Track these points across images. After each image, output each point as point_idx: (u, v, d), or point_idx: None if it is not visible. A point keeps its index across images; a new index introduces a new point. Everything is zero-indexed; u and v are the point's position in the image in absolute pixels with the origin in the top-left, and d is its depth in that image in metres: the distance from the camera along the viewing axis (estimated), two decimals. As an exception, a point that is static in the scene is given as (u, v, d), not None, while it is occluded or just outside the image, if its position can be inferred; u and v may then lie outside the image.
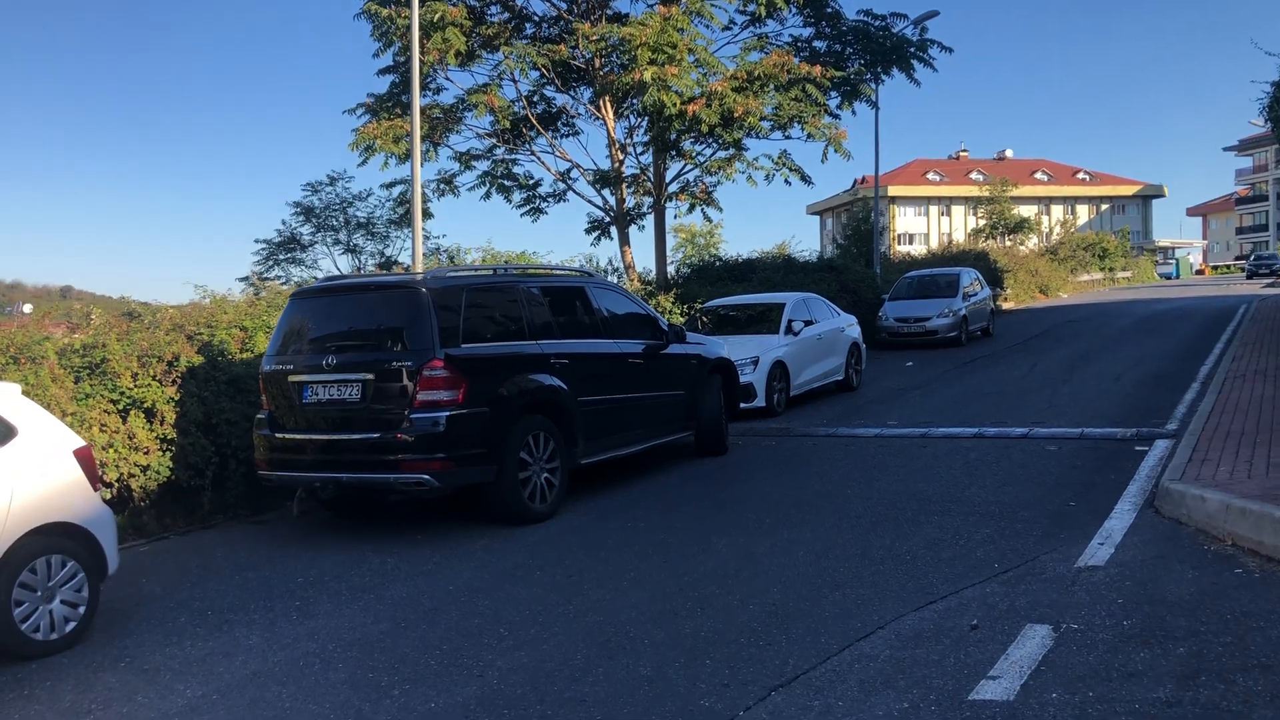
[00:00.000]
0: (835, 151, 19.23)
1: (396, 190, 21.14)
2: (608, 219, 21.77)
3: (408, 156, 16.32)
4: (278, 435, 8.07)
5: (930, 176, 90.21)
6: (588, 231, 22.16)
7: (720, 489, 9.28)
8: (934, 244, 70.44)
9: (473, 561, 7.18)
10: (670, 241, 47.26)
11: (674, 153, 20.02)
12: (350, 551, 7.67)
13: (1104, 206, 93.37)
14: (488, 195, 21.24)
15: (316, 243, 27.73)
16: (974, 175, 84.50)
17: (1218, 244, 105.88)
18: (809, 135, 19.00)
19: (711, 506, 8.55)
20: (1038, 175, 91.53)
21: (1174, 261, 75.43)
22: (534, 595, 6.28)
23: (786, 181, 20.17)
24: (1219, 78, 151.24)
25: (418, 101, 12.68)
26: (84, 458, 5.97)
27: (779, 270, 23.51)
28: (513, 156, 21.53)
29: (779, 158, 19.97)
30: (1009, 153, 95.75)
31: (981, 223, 54.09)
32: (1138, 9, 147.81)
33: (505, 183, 21.36)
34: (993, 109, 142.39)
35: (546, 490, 8.29)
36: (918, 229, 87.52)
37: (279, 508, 9.45)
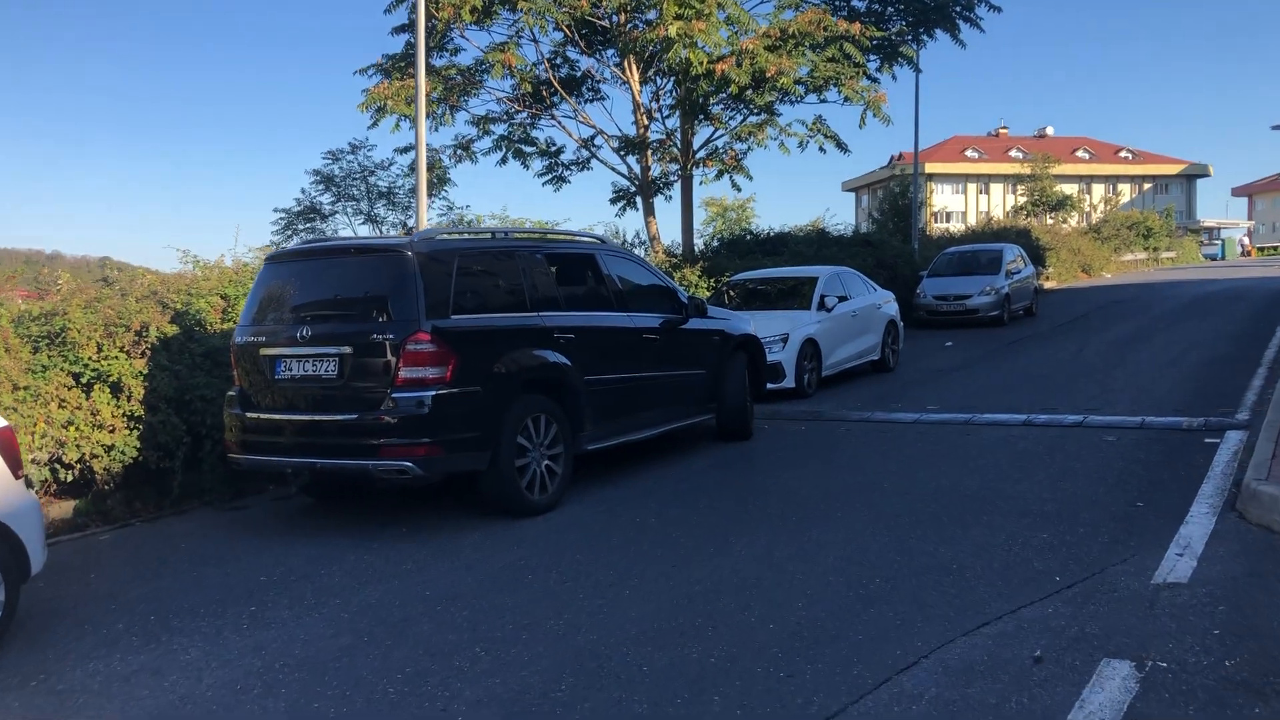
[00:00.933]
0: (875, 116, 18.12)
1: (410, 157, 20.26)
2: (633, 188, 20.78)
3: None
4: (249, 415, 7.28)
5: (969, 154, 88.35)
6: (612, 201, 21.24)
7: (742, 479, 8.42)
8: (972, 222, 68.78)
9: (458, 561, 6.36)
10: (700, 215, 46.28)
11: (702, 117, 18.94)
12: (326, 546, 6.87)
13: (1146, 186, 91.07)
14: (504, 160, 20.30)
15: (337, 212, 26.94)
16: (1013, 153, 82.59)
17: (1263, 225, 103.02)
18: (846, 99, 17.86)
19: (732, 500, 7.69)
20: (1079, 154, 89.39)
21: (1220, 242, 73.36)
22: (521, 605, 5.45)
23: (821, 149, 19.11)
24: (1267, 54, 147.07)
25: (423, 51, 11.78)
26: (4, 440, 5.19)
27: (812, 244, 22.52)
28: (533, 122, 20.58)
29: (814, 123, 18.89)
30: (1050, 130, 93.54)
31: (1022, 200, 52.49)
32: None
33: (523, 147, 20.37)
34: (1034, 85, 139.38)
35: (547, 479, 7.45)
36: (955, 207, 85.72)
37: (261, 491, 8.68)
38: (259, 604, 5.70)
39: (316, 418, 6.97)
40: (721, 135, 19.52)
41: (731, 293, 14.78)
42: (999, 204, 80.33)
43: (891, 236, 28.40)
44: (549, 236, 9.14)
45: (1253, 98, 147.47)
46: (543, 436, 7.44)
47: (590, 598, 5.50)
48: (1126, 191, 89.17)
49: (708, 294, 15.56)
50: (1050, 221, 47.13)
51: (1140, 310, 22.76)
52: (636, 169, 20.36)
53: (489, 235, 8.59)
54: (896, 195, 32.81)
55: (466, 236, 8.38)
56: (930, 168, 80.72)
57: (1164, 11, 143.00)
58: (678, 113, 19.53)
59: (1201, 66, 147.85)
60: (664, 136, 20.04)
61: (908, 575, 5.60)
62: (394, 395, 6.69)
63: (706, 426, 10.14)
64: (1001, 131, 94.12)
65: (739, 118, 19.01)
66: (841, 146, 19.24)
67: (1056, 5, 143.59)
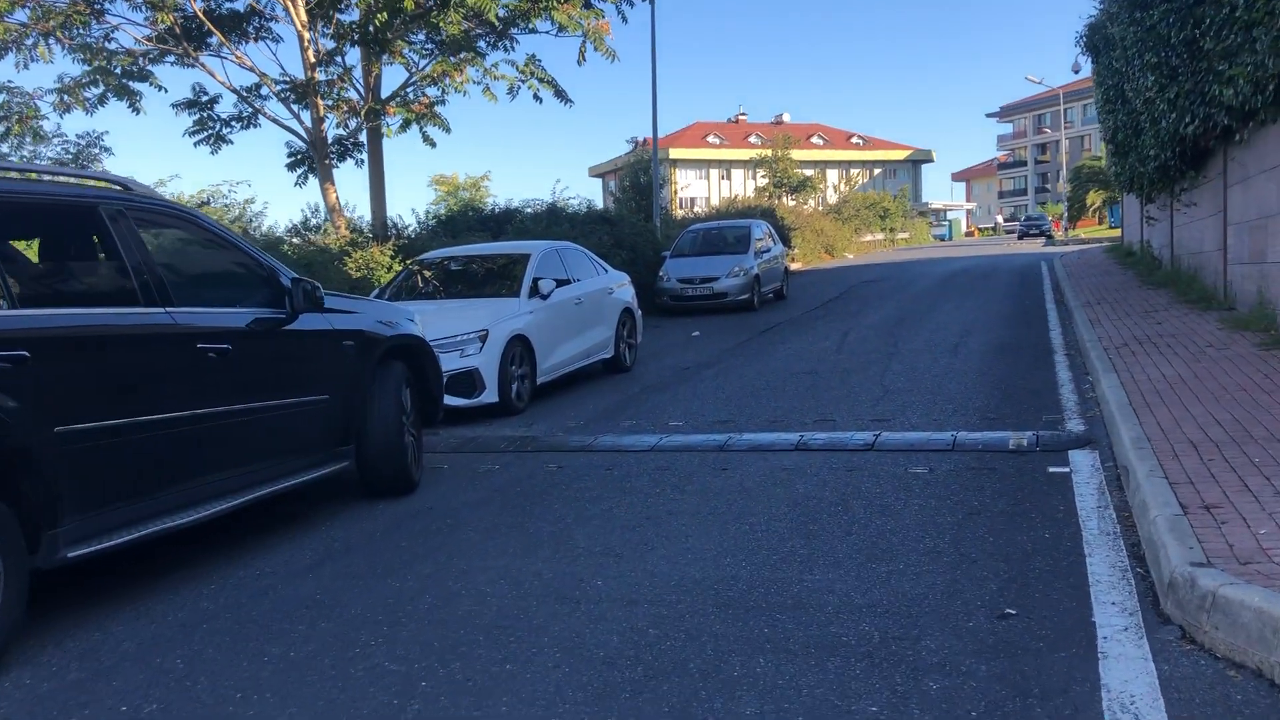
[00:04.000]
0: (596, 49, 15.13)
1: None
2: (307, 148, 16.82)
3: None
4: None
5: (710, 139, 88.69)
6: (289, 168, 17.18)
7: (375, 584, 5.05)
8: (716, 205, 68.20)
9: None
10: (429, 194, 42.18)
11: (383, 53, 15.14)
12: None
13: (877, 171, 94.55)
14: (102, 100, 15.58)
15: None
16: (753, 139, 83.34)
17: (980, 208, 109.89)
18: (560, 28, 14.71)
19: (335, 638, 4.32)
20: (814, 139, 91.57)
21: (948, 223, 76.76)
22: None
23: (537, 97, 15.98)
24: (983, 46, 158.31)
25: None
26: None
27: (541, 221, 19.42)
28: (176, 64, 16.10)
29: (526, 64, 15.67)
30: (787, 116, 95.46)
31: (763, 181, 51.76)
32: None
33: (131, 84, 15.82)
34: (771, 72, 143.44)
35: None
36: (699, 193, 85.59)
37: None
38: None
39: None
40: (414, 80, 15.90)
41: (426, 274, 11.36)
42: (741, 189, 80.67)
43: (634, 215, 25.78)
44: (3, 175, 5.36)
45: (971, 87, 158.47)
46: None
47: None
48: (858, 176, 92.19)
49: (389, 276, 12.05)
50: (792, 203, 46.44)
51: (895, 291, 21.16)
52: (311, 123, 16.41)
53: None
54: (639, 171, 30.31)
55: None
56: (674, 153, 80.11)
57: (892, 4, 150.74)
58: (353, 47, 15.62)
59: (925, 57, 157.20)
60: (337, 76, 16.02)
61: None
62: None
63: (344, 477, 6.72)
64: (741, 118, 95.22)
65: (431, 59, 15.40)
66: (561, 95, 16.14)
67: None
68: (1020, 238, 58.63)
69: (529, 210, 20.50)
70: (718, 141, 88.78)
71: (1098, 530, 5.01)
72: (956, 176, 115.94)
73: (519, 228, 17.89)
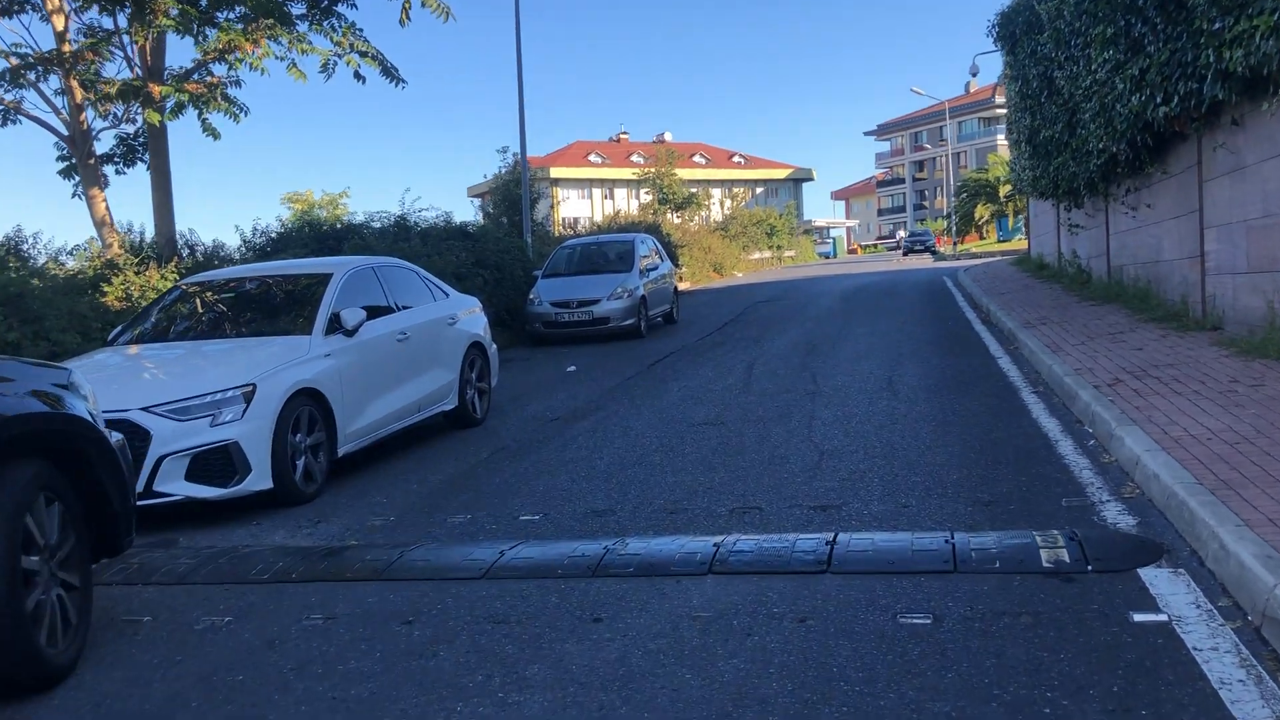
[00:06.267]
0: (425, 5, 12.31)
1: None
2: (67, 146, 13.49)
3: None
4: None
5: (592, 159, 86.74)
6: (62, 174, 13.81)
7: None
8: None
9: None
10: (284, 212, 38.45)
11: (139, 8, 11.86)
12: None
13: (759, 190, 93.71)
14: None
15: None
16: (635, 158, 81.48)
17: (859, 226, 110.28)
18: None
19: None
20: (696, 158, 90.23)
21: (831, 240, 76.13)
22: None
23: (358, 76, 13.09)
24: (860, 65, 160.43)
25: None
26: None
27: (387, 237, 16.48)
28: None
29: (345, 33, 12.75)
30: (668, 135, 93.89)
31: (647, 198, 49.46)
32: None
33: None
34: (651, 92, 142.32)
35: None
36: (582, 212, 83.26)
37: None
38: None
39: None
40: (201, 58, 12.77)
41: (199, 303, 8.30)
42: (624, 209, 78.66)
43: (508, 233, 22.89)
44: None
45: (848, 106, 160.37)
46: None
47: None
48: (740, 195, 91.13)
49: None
50: (678, 220, 44.23)
51: (796, 311, 18.87)
52: (69, 113, 13.09)
53: None
54: (510, 185, 27.51)
55: None
56: (555, 172, 77.82)
57: (770, 25, 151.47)
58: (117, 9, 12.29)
59: (804, 78, 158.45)
60: (99, 41, 12.48)
61: None
62: None
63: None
64: (622, 137, 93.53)
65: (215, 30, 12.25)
66: (391, 73, 13.26)
67: (673, 13, 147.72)
68: (905, 254, 57.81)
69: (375, 225, 17.52)
70: (599, 160, 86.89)
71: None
72: (836, 195, 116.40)
73: (358, 245, 14.91)
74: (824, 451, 6.94)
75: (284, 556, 5.42)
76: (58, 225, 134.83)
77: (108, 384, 6.39)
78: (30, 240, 14.72)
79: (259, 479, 6.32)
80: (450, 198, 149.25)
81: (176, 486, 6.07)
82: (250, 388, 6.39)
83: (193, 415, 6.16)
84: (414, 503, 6.54)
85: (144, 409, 6.08)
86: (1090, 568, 4.27)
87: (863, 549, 4.72)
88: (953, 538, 4.76)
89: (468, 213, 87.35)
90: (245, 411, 6.30)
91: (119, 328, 8.06)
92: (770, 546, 4.84)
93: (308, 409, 6.78)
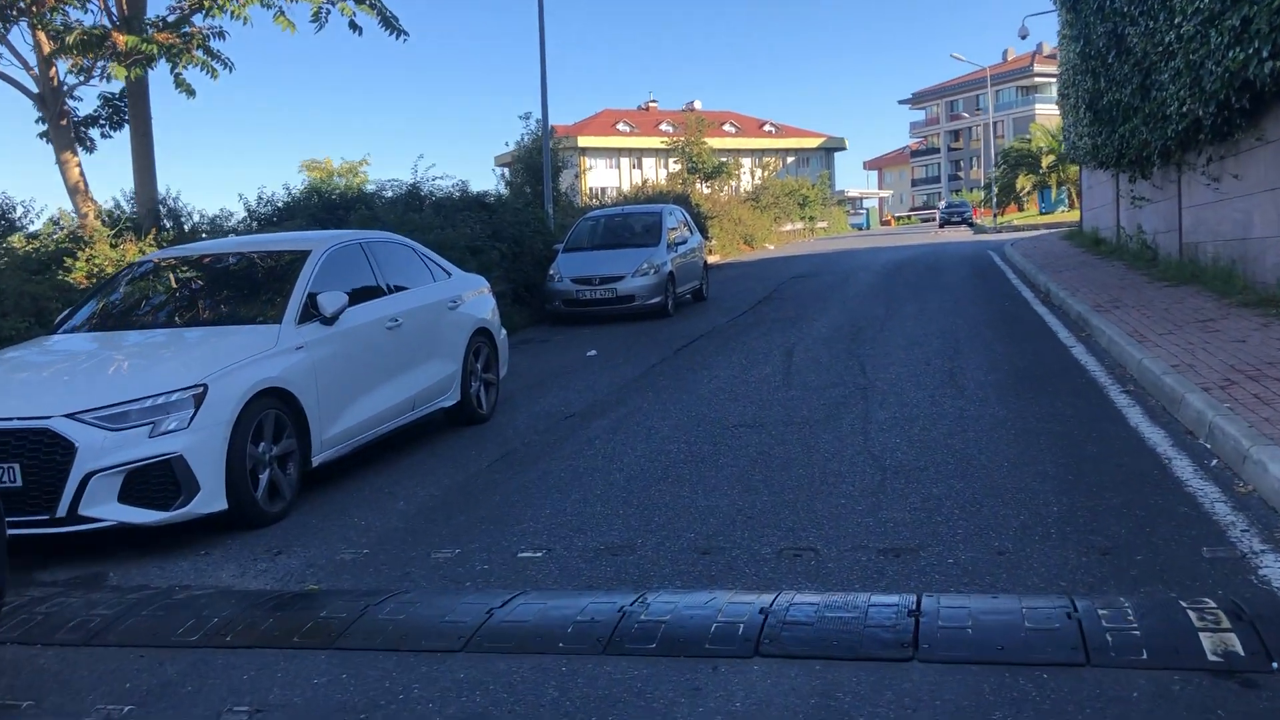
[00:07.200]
0: None
1: None
2: (37, 104, 12.41)
3: None
4: None
5: (620, 127, 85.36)
6: (42, 135, 12.78)
7: None
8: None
9: None
10: (300, 180, 37.33)
11: None
12: None
13: (790, 159, 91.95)
14: None
15: None
16: (664, 126, 79.96)
17: (893, 196, 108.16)
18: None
19: None
20: (726, 127, 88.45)
21: (864, 212, 74.42)
22: None
23: (354, 26, 11.96)
24: (895, 31, 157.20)
25: None
26: None
27: (396, 207, 15.43)
28: None
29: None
30: (698, 104, 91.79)
31: (676, 167, 48.04)
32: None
33: None
34: (681, 59, 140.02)
35: None
36: (610, 181, 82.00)
37: None
38: None
39: None
40: (182, 7, 11.65)
41: (140, 289, 7.18)
42: (653, 178, 77.30)
43: (530, 203, 21.69)
44: None
45: (882, 74, 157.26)
46: None
47: None
48: (772, 165, 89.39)
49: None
50: (708, 190, 42.85)
51: (834, 288, 17.65)
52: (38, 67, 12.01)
53: None
54: (533, 152, 26.28)
55: None
56: (583, 141, 76.49)
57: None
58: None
59: (837, 44, 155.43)
60: None
61: None
62: None
63: None
64: (651, 105, 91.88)
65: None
66: (391, 24, 12.12)
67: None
68: (942, 225, 56.08)
69: (387, 194, 16.46)
70: (628, 129, 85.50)
71: None
72: (869, 164, 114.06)
73: (367, 216, 13.86)
74: (886, 468, 5.81)
75: (226, 605, 4.38)
76: (42, 193, 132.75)
77: (29, 384, 5.38)
78: (20, 209, 13.85)
79: (210, 499, 5.27)
80: (479, 169, 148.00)
81: (107, 510, 5.03)
82: (200, 389, 5.33)
83: (129, 423, 5.11)
84: (396, 527, 5.49)
85: (69, 415, 5.04)
86: (1276, 665, 3.15)
87: (957, 622, 3.61)
88: (1075, 609, 3.63)
89: (492, 183, 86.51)
90: (193, 418, 5.25)
91: (66, 311, 7.04)
92: (835, 615, 3.74)
93: (274, 412, 5.73)
